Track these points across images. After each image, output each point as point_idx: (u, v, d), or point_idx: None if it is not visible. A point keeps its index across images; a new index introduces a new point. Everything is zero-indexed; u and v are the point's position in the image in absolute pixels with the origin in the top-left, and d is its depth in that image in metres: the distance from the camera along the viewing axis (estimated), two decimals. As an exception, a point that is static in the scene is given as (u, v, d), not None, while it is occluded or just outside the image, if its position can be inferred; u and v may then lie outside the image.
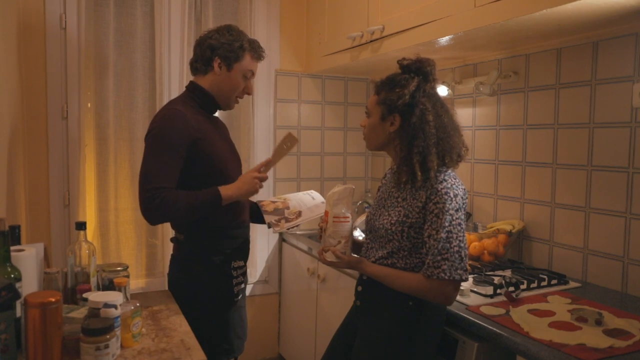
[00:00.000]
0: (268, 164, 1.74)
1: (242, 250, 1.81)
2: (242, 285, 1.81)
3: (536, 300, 1.61)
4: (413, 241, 1.40)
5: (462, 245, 1.34)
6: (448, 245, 1.32)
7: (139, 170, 1.62)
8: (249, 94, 1.81)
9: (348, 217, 1.50)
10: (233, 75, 1.73)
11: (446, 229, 1.32)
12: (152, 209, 1.55)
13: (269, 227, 1.78)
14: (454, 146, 1.42)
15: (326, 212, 1.52)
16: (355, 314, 1.57)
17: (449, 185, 1.36)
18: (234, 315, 1.77)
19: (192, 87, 1.77)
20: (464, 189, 1.40)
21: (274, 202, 1.85)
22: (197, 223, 1.70)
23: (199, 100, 1.74)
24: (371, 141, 1.52)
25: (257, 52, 1.77)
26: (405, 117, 1.41)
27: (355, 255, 1.50)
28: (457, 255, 1.32)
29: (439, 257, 1.32)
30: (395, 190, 1.48)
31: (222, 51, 1.70)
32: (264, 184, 1.73)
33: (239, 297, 1.79)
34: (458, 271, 1.32)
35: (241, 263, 1.79)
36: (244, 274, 1.82)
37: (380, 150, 1.54)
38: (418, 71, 1.42)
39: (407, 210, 1.40)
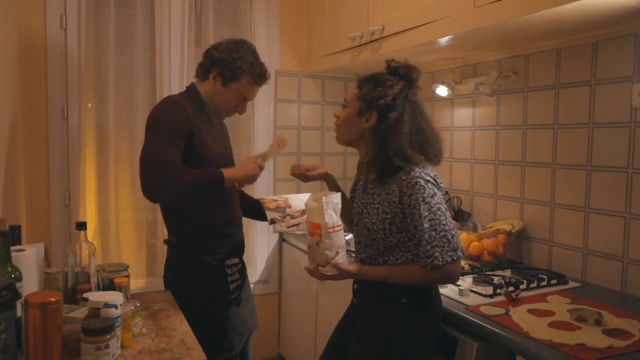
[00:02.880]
0: (264, 157, 1.75)
1: (235, 247, 1.82)
2: (240, 282, 1.82)
3: (536, 300, 1.62)
4: (397, 237, 1.41)
5: (447, 228, 1.36)
6: (434, 233, 1.34)
7: (141, 152, 1.59)
8: (240, 113, 1.81)
9: (341, 225, 1.46)
10: (227, 92, 1.73)
11: (427, 217, 1.34)
12: (155, 184, 1.53)
13: (271, 223, 1.79)
14: (430, 151, 1.43)
15: (317, 225, 1.42)
16: (352, 311, 1.58)
17: (418, 175, 1.37)
18: (232, 312, 1.78)
19: (190, 88, 1.80)
20: (435, 174, 1.41)
21: (275, 200, 1.87)
22: (188, 224, 1.73)
23: (196, 104, 1.76)
24: (343, 134, 1.52)
25: (255, 78, 1.74)
26: (382, 117, 1.42)
27: (354, 264, 1.47)
28: (444, 240, 1.35)
29: (428, 247, 1.35)
30: (371, 186, 1.48)
31: (220, 66, 1.71)
32: (262, 179, 1.74)
33: (237, 294, 1.80)
34: (449, 253, 1.35)
35: (235, 260, 1.81)
36: (241, 270, 1.84)
37: (349, 146, 1.55)
38: (405, 76, 1.44)
39: (384, 207, 1.41)
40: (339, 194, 1.52)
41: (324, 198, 1.44)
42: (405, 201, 1.37)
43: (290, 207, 1.83)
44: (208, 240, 1.74)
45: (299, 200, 1.89)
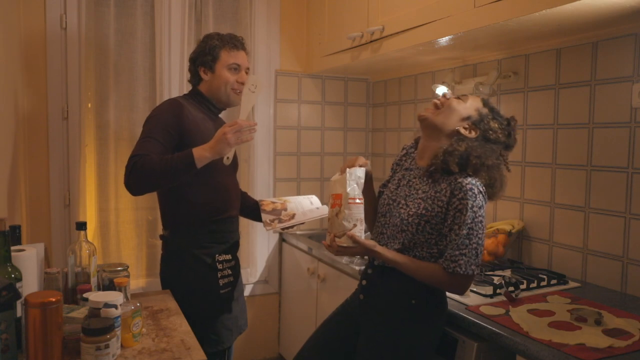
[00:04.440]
0: (240, 111, 1.72)
1: (228, 244, 1.84)
2: (231, 279, 1.84)
3: (536, 300, 1.62)
4: (427, 236, 1.40)
5: (480, 242, 1.36)
6: (467, 241, 1.34)
7: None
8: (242, 83, 1.84)
9: (362, 200, 1.44)
10: (218, 74, 1.82)
11: (468, 225, 1.34)
12: (126, 175, 1.59)
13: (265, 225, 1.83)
14: (489, 189, 1.44)
15: (338, 195, 1.43)
16: (357, 307, 1.57)
17: (474, 182, 1.37)
18: (222, 307, 1.80)
19: (194, 91, 1.88)
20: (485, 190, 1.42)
21: (273, 202, 1.89)
22: (181, 218, 1.76)
23: (199, 104, 1.83)
24: (437, 118, 1.47)
25: (230, 42, 1.83)
26: (480, 141, 1.43)
27: (371, 240, 1.45)
28: (474, 252, 1.35)
29: (457, 252, 1.35)
30: (417, 181, 1.48)
31: (200, 59, 1.82)
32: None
33: (227, 290, 1.82)
34: (472, 266, 1.35)
35: (227, 257, 1.83)
36: (233, 267, 1.85)
37: (430, 129, 1.49)
38: (508, 141, 1.48)
39: (427, 204, 1.40)
40: (364, 168, 1.49)
41: (348, 170, 1.44)
42: (453, 203, 1.36)
43: (286, 209, 1.85)
44: (200, 234, 1.76)
45: (297, 202, 1.91)
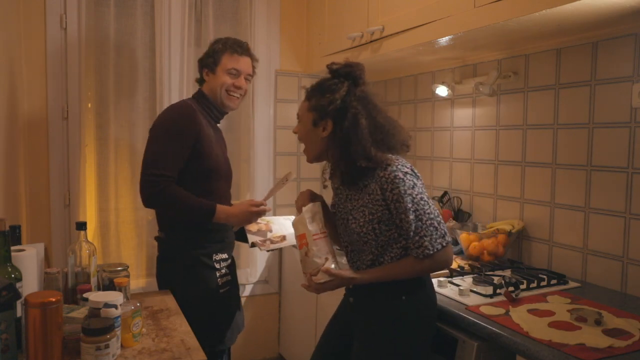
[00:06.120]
0: (269, 194, 1.86)
1: (224, 243, 1.85)
2: (229, 277, 1.85)
3: (536, 300, 1.62)
4: (387, 234, 1.41)
5: (432, 216, 1.37)
6: (420, 223, 1.35)
7: (144, 155, 1.73)
8: (239, 87, 1.87)
9: (326, 232, 1.46)
10: (217, 75, 1.86)
11: (412, 209, 1.35)
12: (150, 194, 1.67)
13: (252, 246, 1.83)
14: (395, 142, 1.44)
15: (302, 235, 1.45)
16: (347, 310, 1.58)
17: (395, 169, 1.38)
18: (223, 306, 1.81)
19: (199, 92, 1.91)
20: (411, 165, 1.42)
21: (257, 223, 1.89)
22: (177, 220, 1.79)
23: (203, 108, 1.86)
24: (308, 150, 1.52)
25: (232, 47, 1.86)
26: (337, 122, 1.42)
27: (348, 269, 1.47)
28: (431, 228, 1.36)
29: (417, 238, 1.36)
30: (349, 192, 1.49)
31: (205, 61, 1.89)
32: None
33: (227, 289, 1.83)
34: (438, 240, 1.36)
35: (224, 256, 1.84)
36: (230, 266, 1.87)
37: (319, 161, 1.54)
38: (347, 76, 1.44)
39: (369, 208, 1.41)
40: (319, 202, 1.52)
41: (304, 208, 1.47)
42: (387, 197, 1.37)
43: (271, 231, 1.87)
44: (196, 235, 1.78)
45: (280, 224, 1.92)
